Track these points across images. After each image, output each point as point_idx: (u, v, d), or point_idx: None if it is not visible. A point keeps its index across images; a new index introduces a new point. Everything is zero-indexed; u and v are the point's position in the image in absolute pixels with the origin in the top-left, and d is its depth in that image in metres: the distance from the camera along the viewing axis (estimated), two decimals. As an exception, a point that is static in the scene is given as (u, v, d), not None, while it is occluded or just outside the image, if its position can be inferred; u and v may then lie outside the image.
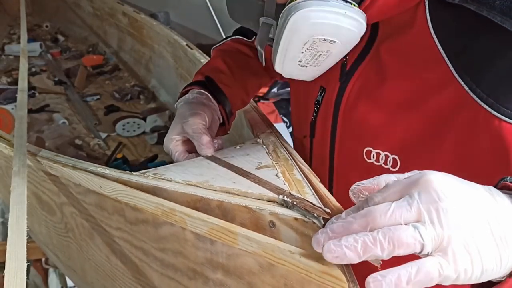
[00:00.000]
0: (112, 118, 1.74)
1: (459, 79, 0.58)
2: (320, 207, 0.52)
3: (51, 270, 1.72)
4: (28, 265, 1.63)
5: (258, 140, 0.78)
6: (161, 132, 1.60)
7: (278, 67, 0.63)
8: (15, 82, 1.90)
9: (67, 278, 1.66)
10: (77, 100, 1.87)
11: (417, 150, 0.63)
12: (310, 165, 0.75)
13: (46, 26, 2.74)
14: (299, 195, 0.55)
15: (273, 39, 0.63)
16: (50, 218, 0.96)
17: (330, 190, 0.76)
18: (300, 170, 0.64)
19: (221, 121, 0.84)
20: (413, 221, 0.41)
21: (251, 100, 1.02)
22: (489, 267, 0.41)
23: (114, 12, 2.24)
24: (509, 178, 0.50)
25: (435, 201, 0.41)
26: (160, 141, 1.57)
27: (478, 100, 0.56)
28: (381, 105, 0.65)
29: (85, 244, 0.86)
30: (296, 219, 0.51)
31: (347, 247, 0.40)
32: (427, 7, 0.60)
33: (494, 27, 0.55)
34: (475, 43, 0.57)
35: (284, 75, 0.65)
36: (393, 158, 0.65)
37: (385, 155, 0.65)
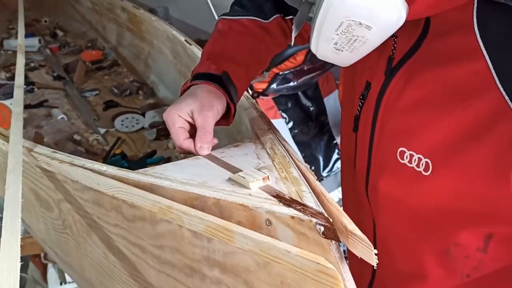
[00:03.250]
0: (111, 114, 1.73)
1: (501, 87, 0.55)
2: (321, 213, 0.52)
3: (50, 265, 1.72)
4: (26, 261, 1.62)
5: (257, 138, 0.78)
6: (160, 128, 1.60)
7: (313, 47, 0.60)
8: (13, 77, 1.89)
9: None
10: (76, 95, 1.87)
11: (451, 155, 0.61)
12: (354, 162, 0.76)
13: (45, 21, 2.73)
14: (299, 200, 0.55)
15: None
16: (48, 215, 0.96)
17: (366, 188, 0.75)
18: (297, 168, 0.64)
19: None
20: None
21: (250, 96, 1.02)
22: None
23: (113, 7, 2.24)
24: None
25: None
26: (159, 137, 1.57)
27: None
28: (421, 105, 0.63)
29: (83, 240, 0.86)
30: (292, 217, 0.51)
31: None
32: (475, 8, 0.57)
33: None
34: None
35: (318, 56, 0.62)
36: (425, 161, 0.63)
37: (418, 157, 0.63)
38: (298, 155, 0.73)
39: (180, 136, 0.73)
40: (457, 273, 0.67)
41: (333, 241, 0.48)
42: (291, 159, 0.67)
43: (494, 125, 0.56)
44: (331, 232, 0.48)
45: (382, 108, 0.69)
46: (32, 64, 2.16)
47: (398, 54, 0.66)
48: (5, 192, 0.68)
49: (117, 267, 0.78)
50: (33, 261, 1.74)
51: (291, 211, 0.52)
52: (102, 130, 1.62)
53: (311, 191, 0.57)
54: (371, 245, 0.47)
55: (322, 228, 0.48)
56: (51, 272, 1.70)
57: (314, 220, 0.49)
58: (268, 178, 0.60)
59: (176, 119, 0.73)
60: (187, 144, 0.73)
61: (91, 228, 0.80)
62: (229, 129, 1.26)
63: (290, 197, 0.55)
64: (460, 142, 0.60)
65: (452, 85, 0.60)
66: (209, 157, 0.73)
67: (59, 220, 0.92)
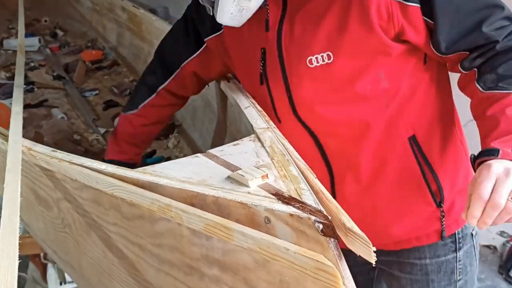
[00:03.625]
0: (111, 113, 1.74)
1: None
2: (320, 211, 0.51)
3: (49, 265, 1.72)
4: (26, 261, 1.60)
5: (256, 137, 0.78)
6: (159, 128, 1.60)
7: (218, 19, 0.89)
8: (13, 77, 1.89)
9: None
10: (76, 95, 1.87)
11: (335, 41, 0.84)
12: (274, 108, 0.94)
13: (45, 21, 2.73)
14: (298, 198, 0.55)
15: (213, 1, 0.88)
16: (47, 214, 0.96)
17: (297, 116, 0.91)
18: (296, 166, 0.64)
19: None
20: None
21: (249, 96, 1.02)
22: None
23: (113, 7, 2.24)
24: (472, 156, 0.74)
25: None
26: (158, 137, 1.57)
27: None
28: (308, 26, 0.87)
29: (82, 239, 0.86)
30: (291, 215, 0.51)
31: None
32: None
33: None
34: None
35: (221, 22, 0.90)
36: (327, 54, 0.85)
37: (321, 55, 0.85)
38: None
39: None
40: (379, 102, 0.88)
41: (332, 239, 0.48)
42: (290, 157, 0.67)
43: (349, 9, 0.81)
44: (330, 230, 0.48)
45: (284, 47, 0.90)
46: (32, 64, 2.16)
47: (276, 14, 0.90)
48: (3, 190, 0.68)
49: (116, 266, 0.78)
50: (33, 260, 1.73)
51: (290, 209, 0.52)
52: (102, 130, 1.63)
53: (310, 189, 0.57)
54: (370, 242, 0.47)
55: (321, 226, 0.48)
56: (51, 272, 1.70)
57: (313, 218, 0.49)
58: (267, 176, 0.60)
59: None
60: None
61: (90, 227, 0.80)
62: (229, 129, 1.26)
63: (289, 195, 0.55)
64: (336, 31, 0.84)
65: (320, 5, 0.85)
66: (208, 155, 0.73)
67: (58, 219, 0.92)
